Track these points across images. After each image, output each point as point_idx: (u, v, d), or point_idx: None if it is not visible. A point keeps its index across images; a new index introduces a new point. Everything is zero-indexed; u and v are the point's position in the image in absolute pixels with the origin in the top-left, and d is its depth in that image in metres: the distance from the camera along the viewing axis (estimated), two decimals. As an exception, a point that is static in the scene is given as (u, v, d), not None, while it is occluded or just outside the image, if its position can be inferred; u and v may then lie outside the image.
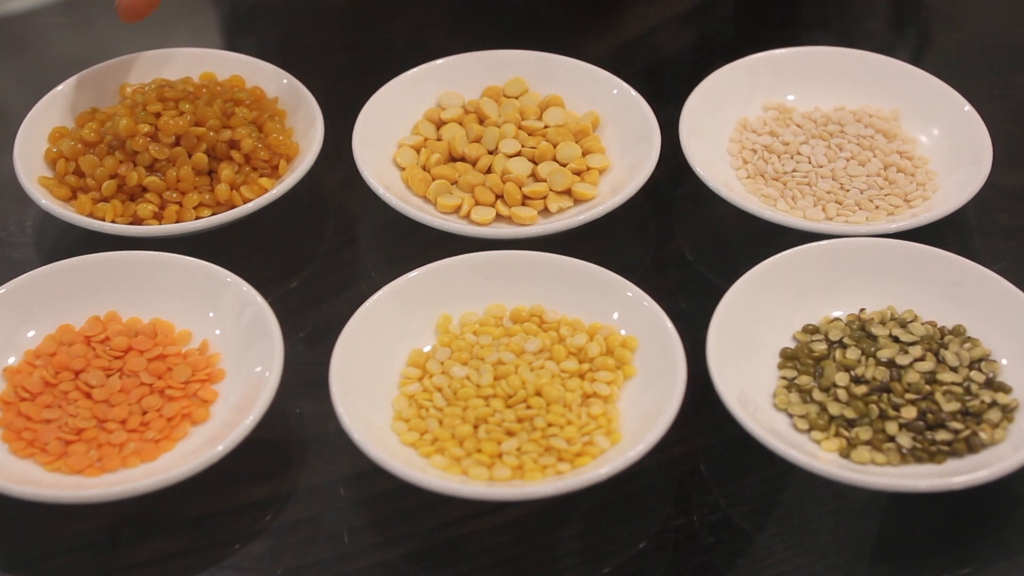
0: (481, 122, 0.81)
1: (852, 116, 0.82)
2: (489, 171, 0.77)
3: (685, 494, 0.66)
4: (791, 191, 0.77)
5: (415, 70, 0.83)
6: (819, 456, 0.64)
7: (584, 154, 0.79)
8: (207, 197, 0.75)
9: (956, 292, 0.70)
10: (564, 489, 0.61)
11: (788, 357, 0.69)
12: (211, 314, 0.70)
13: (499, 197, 0.76)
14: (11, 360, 0.69)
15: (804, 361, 0.68)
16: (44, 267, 0.71)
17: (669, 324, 0.67)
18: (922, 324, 0.70)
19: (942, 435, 0.64)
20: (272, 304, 0.69)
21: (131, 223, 0.74)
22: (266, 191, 0.75)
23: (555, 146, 0.78)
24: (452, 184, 0.77)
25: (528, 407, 0.65)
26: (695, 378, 0.65)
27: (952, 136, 0.80)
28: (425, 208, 0.76)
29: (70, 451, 0.65)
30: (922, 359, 0.67)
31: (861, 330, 0.69)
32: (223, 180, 0.75)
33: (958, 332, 0.69)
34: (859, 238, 0.72)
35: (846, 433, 0.65)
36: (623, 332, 0.69)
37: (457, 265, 0.71)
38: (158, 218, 0.75)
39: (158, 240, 0.75)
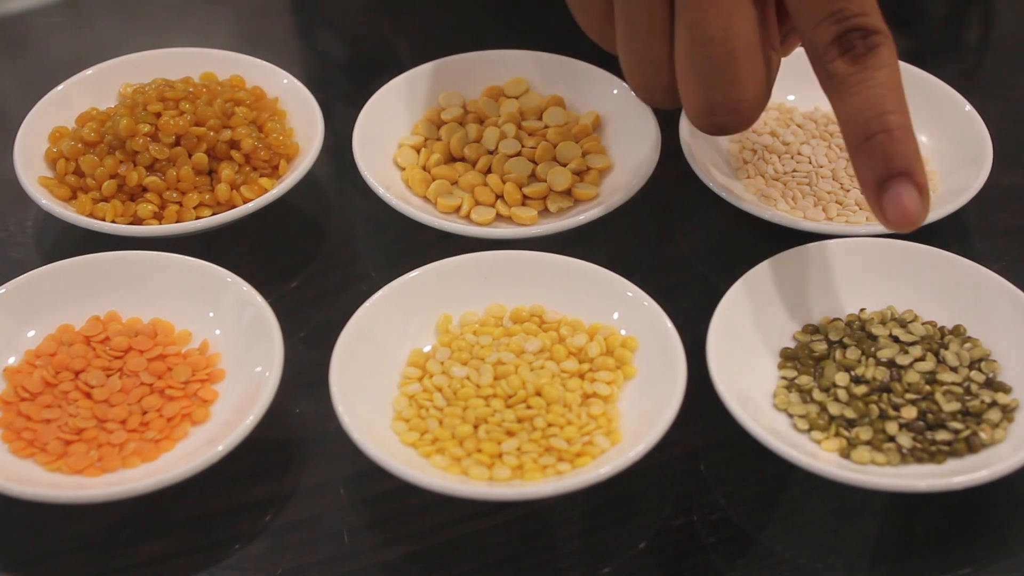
0: (481, 122, 0.81)
1: (852, 116, 0.82)
2: (489, 171, 0.77)
3: (685, 494, 0.66)
4: (791, 191, 0.77)
5: (415, 70, 0.83)
6: (819, 456, 0.64)
7: (584, 154, 0.79)
8: (207, 197, 0.75)
9: (956, 292, 0.70)
10: (564, 489, 0.61)
11: (788, 357, 0.69)
12: (211, 314, 0.70)
13: (499, 197, 0.76)
14: (11, 360, 0.69)
15: (804, 361, 0.68)
16: (44, 267, 0.71)
17: (669, 324, 0.67)
18: (922, 324, 0.70)
19: (942, 435, 0.64)
20: (272, 304, 0.69)
21: (131, 223, 0.75)
22: (266, 191, 0.75)
23: (555, 146, 0.78)
24: (452, 184, 0.77)
25: (528, 407, 0.65)
26: (695, 378, 0.65)
27: (952, 136, 0.80)
28: (425, 208, 0.76)
29: (70, 451, 0.65)
30: (922, 359, 0.68)
31: (861, 330, 0.69)
32: (223, 180, 0.75)
33: (958, 332, 0.69)
34: (859, 238, 0.72)
35: (846, 433, 0.65)
36: (623, 332, 0.69)
37: (457, 265, 0.71)
38: (158, 218, 0.75)
39: (158, 240, 0.75)
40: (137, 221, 0.75)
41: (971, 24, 0.98)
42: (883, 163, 0.60)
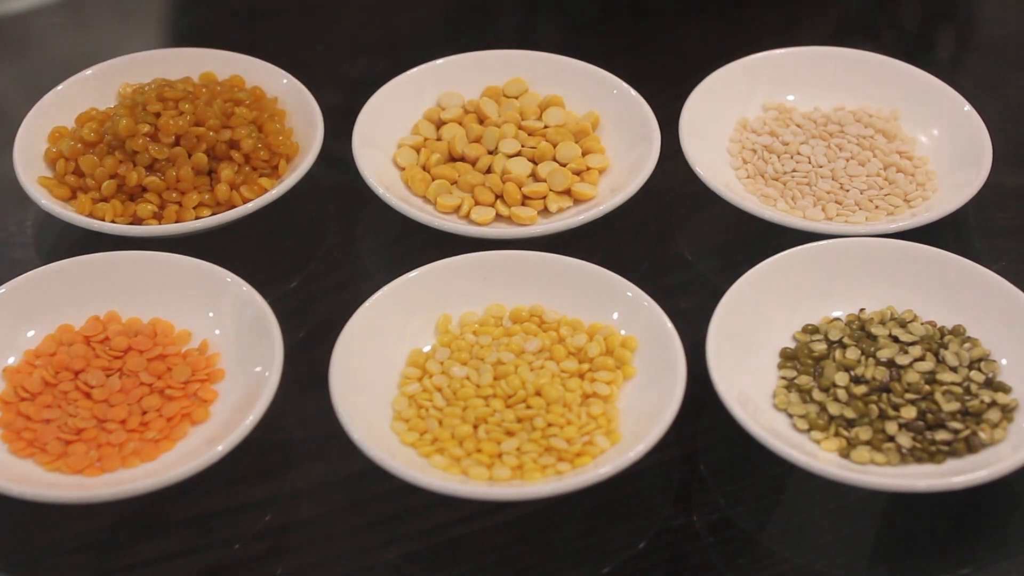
0: (481, 122, 0.81)
1: (852, 116, 0.82)
2: (489, 171, 0.77)
3: (685, 494, 0.66)
4: (791, 191, 0.77)
5: (415, 70, 0.83)
6: (819, 456, 0.64)
7: (584, 154, 0.79)
8: (207, 197, 0.75)
9: (956, 292, 0.70)
10: (564, 489, 0.61)
11: (788, 357, 0.69)
12: (211, 314, 0.70)
13: (499, 197, 0.76)
14: (11, 360, 0.69)
15: (804, 361, 0.68)
16: (44, 267, 0.71)
17: (669, 324, 0.67)
18: (922, 324, 0.70)
19: (942, 435, 0.64)
20: (272, 304, 0.69)
21: (131, 223, 0.75)
22: (266, 191, 0.75)
23: (555, 146, 0.78)
24: (452, 184, 0.77)
25: (528, 407, 0.65)
26: (695, 378, 0.65)
27: (952, 136, 0.80)
28: (425, 208, 0.76)
29: (70, 451, 0.65)
30: (922, 359, 0.68)
31: (861, 330, 0.69)
32: (223, 180, 0.75)
33: (958, 332, 0.69)
34: (859, 238, 0.72)
35: (846, 433, 0.65)
36: (623, 332, 0.69)
37: (457, 265, 0.71)
38: (158, 218, 0.75)
39: (158, 240, 0.75)
40: (137, 221, 0.75)
41: (971, 24, 0.98)
42: None
